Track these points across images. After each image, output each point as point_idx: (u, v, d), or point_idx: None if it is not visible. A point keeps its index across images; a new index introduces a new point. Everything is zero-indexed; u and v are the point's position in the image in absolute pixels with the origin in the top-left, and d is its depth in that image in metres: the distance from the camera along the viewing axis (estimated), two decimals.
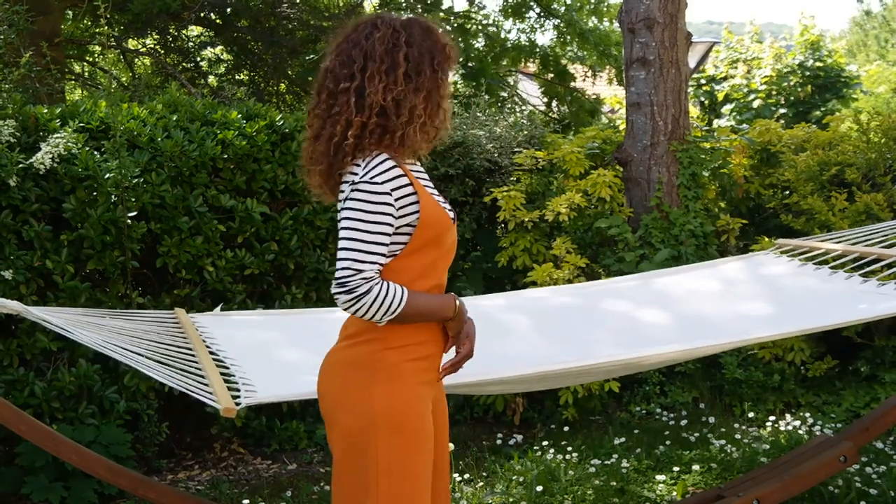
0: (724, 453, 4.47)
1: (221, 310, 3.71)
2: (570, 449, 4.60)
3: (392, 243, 2.04)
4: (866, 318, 3.62)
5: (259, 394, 2.68)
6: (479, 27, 10.25)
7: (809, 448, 3.76)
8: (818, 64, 10.35)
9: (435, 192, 2.18)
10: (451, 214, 2.18)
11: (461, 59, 8.84)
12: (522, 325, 3.66)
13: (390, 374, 2.06)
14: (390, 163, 2.03)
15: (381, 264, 2.01)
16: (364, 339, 2.08)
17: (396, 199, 2.01)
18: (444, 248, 2.12)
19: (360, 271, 1.97)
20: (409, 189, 2.04)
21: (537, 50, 10.77)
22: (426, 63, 2.07)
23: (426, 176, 2.21)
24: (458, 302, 2.13)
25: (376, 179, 2.00)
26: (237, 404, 2.52)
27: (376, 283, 1.98)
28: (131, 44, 9.09)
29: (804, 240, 4.20)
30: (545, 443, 4.71)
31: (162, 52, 8.69)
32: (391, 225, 2.01)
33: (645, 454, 4.56)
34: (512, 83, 10.85)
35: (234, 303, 4.62)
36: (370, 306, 1.98)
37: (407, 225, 2.05)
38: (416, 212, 2.04)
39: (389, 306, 1.99)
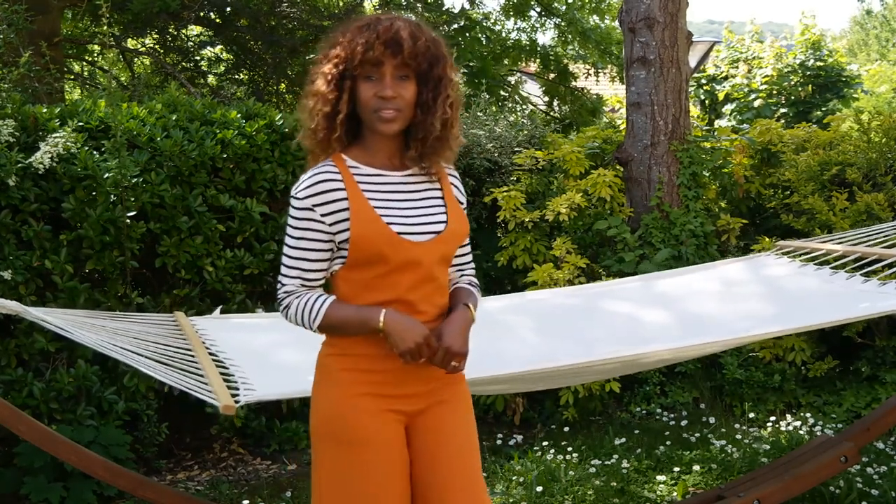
0: (724, 454, 4.46)
1: (221, 312, 3.71)
2: (570, 449, 4.59)
3: (336, 256, 2.02)
4: (867, 315, 3.62)
5: (258, 391, 2.70)
6: (480, 27, 10.23)
7: (810, 448, 3.75)
8: (819, 63, 10.33)
9: (407, 203, 2.03)
10: (424, 229, 2.01)
11: (462, 60, 8.81)
12: (524, 327, 3.65)
13: (333, 379, 2.04)
14: (323, 175, 1.98)
15: (307, 279, 2.02)
16: (324, 343, 2.10)
17: (324, 215, 1.98)
18: (394, 264, 1.98)
19: (283, 285, 2.05)
20: (341, 205, 1.97)
21: (538, 49, 10.76)
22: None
23: (405, 183, 2.06)
24: (383, 317, 1.95)
25: (298, 195, 1.99)
26: (236, 402, 2.53)
27: (295, 297, 2.02)
28: (130, 43, 9.08)
29: (805, 241, 4.21)
30: (545, 443, 4.70)
31: (161, 51, 8.68)
32: (321, 240, 2.00)
33: (645, 454, 4.55)
34: (514, 83, 10.83)
35: (233, 303, 4.61)
36: (294, 319, 2.04)
37: (345, 241, 1.99)
38: (348, 229, 1.98)
39: (308, 318, 2.01)
